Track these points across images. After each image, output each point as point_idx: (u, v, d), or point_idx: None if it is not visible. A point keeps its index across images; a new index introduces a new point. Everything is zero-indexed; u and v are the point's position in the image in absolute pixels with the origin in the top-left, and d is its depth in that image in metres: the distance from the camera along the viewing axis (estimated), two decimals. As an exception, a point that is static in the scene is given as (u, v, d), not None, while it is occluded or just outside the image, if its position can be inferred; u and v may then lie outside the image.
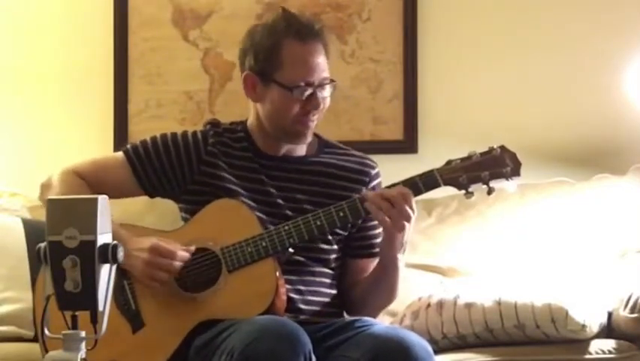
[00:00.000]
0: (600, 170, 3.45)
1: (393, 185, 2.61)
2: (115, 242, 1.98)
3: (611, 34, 3.63)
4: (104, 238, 1.97)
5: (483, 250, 3.30)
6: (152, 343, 2.61)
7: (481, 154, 2.62)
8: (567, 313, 2.78)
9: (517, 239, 3.30)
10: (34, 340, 2.86)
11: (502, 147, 2.63)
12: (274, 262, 2.60)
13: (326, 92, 2.69)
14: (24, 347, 2.91)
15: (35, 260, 2.01)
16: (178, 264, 2.59)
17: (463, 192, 2.62)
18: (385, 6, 3.66)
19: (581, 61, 3.65)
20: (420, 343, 2.44)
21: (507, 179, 2.61)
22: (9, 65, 3.63)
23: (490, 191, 2.61)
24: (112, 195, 2.14)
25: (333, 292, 2.73)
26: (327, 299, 2.71)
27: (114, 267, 1.99)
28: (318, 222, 2.61)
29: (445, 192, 2.74)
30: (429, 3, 3.66)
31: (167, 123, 3.57)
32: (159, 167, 2.75)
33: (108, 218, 2.00)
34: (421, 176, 2.61)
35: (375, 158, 2.87)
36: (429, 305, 2.96)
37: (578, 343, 2.82)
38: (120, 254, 1.98)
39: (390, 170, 2.87)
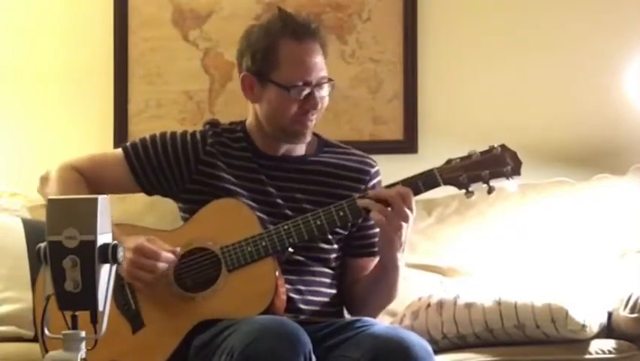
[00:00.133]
0: (600, 170, 3.45)
1: (393, 185, 2.60)
2: (115, 242, 1.98)
3: (611, 34, 3.63)
4: (104, 238, 1.97)
5: (483, 250, 3.30)
6: (151, 343, 2.61)
7: (482, 153, 2.62)
8: (567, 313, 2.78)
9: (517, 239, 3.30)
10: (34, 340, 2.86)
11: (503, 146, 2.62)
12: (274, 262, 2.60)
13: (324, 92, 2.69)
14: (24, 347, 2.91)
15: (35, 260, 2.01)
16: (162, 265, 2.58)
17: (463, 191, 2.61)
18: (385, 6, 3.66)
19: (581, 61, 3.65)
20: (420, 343, 2.44)
21: (507, 178, 2.60)
22: (9, 65, 3.63)
23: (490, 190, 2.61)
24: (109, 192, 2.15)
25: (333, 291, 2.73)
26: (327, 299, 2.71)
27: (114, 267, 1.99)
28: (318, 222, 2.60)
29: (445, 191, 2.74)
30: (429, 3, 3.66)
31: (167, 123, 3.57)
32: (157, 165, 2.75)
33: (108, 218, 2.00)
34: (420, 175, 2.61)
35: (375, 158, 2.86)
36: (429, 305, 2.96)
37: (578, 343, 2.82)
38: (120, 254, 1.98)
39: (390, 170, 2.86)
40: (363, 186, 2.73)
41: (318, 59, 2.68)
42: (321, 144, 2.82)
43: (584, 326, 2.79)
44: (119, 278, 2.56)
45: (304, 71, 2.65)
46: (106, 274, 1.97)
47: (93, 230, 1.94)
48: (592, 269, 3.14)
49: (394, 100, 3.66)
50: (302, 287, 2.66)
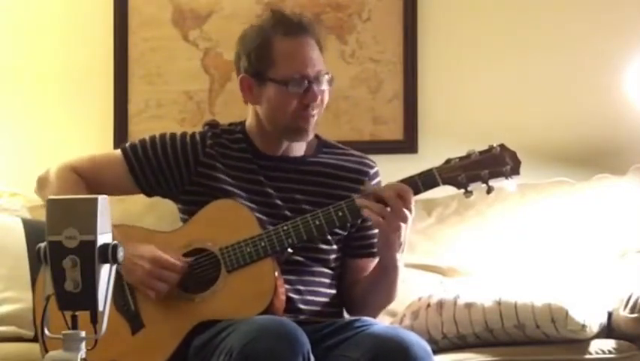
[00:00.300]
0: (600, 170, 3.45)
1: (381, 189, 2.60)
2: (115, 242, 1.98)
3: (611, 34, 3.63)
4: (104, 238, 1.97)
5: (483, 250, 3.30)
6: (151, 344, 2.61)
7: (481, 153, 2.61)
8: (567, 313, 2.78)
9: (517, 239, 3.30)
10: (34, 340, 2.86)
11: (502, 146, 2.62)
12: (273, 262, 2.60)
13: (323, 86, 2.69)
14: (24, 347, 2.91)
15: (35, 260, 2.01)
16: (177, 276, 2.61)
17: (463, 191, 2.61)
18: (385, 6, 3.66)
19: (581, 61, 3.65)
20: (419, 343, 2.44)
21: (506, 178, 2.60)
22: (9, 65, 3.63)
23: (489, 190, 2.60)
24: (109, 193, 2.15)
25: (333, 292, 2.73)
26: (326, 299, 2.70)
27: (114, 267, 1.99)
28: (317, 222, 2.60)
29: (444, 192, 2.74)
30: (429, 3, 3.66)
31: (167, 123, 3.57)
32: (157, 167, 2.75)
33: (108, 218, 2.00)
34: (420, 175, 2.60)
35: (375, 158, 2.86)
36: (429, 305, 2.96)
37: (578, 343, 2.82)
38: (120, 254, 1.98)
39: (390, 170, 2.86)
40: (362, 187, 2.73)
41: (314, 54, 2.68)
42: (321, 144, 2.82)
43: (584, 326, 2.79)
44: (118, 279, 2.56)
45: (299, 65, 2.66)
46: (106, 274, 1.97)
47: (93, 230, 1.94)
48: (592, 269, 3.14)
49: (394, 100, 3.66)
50: (301, 287, 2.66)
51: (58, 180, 2.74)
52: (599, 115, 3.64)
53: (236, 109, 2.89)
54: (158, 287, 2.60)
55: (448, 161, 2.62)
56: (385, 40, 3.66)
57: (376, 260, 2.72)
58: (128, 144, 2.81)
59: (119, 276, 2.56)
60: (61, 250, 1.94)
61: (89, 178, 2.75)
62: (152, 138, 2.78)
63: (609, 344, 2.85)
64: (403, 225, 2.55)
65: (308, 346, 2.38)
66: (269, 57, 2.66)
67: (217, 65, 3.64)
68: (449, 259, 3.31)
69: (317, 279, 2.70)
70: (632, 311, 2.85)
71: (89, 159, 2.81)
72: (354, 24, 3.66)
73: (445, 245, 3.35)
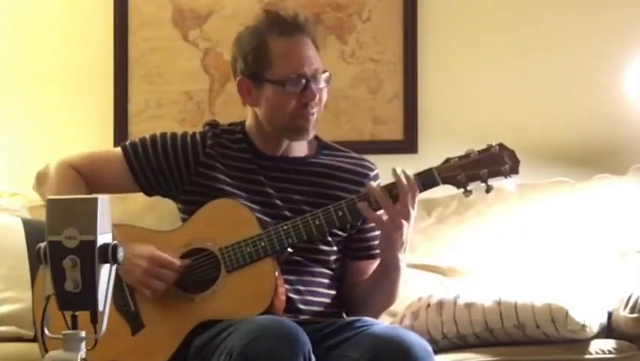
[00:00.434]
0: (600, 170, 3.45)
1: (392, 184, 2.60)
2: (115, 242, 1.98)
3: (611, 34, 3.63)
4: (104, 238, 1.96)
5: (483, 250, 3.30)
6: (151, 344, 2.61)
7: (480, 152, 2.61)
8: (567, 313, 2.78)
9: (517, 239, 3.30)
10: (34, 340, 2.86)
11: (501, 145, 2.62)
12: (273, 262, 2.60)
13: (321, 84, 2.69)
14: (24, 347, 2.91)
15: (35, 260, 2.01)
16: (175, 275, 2.61)
17: (462, 190, 2.61)
18: (385, 6, 3.66)
19: (581, 61, 3.65)
20: (420, 343, 2.44)
21: (506, 177, 2.60)
22: (9, 65, 3.63)
23: (488, 189, 2.60)
24: (108, 191, 2.15)
25: (333, 292, 2.73)
26: (326, 299, 2.70)
27: (114, 267, 1.99)
28: (317, 222, 2.60)
29: (444, 191, 2.74)
30: (429, 3, 3.66)
31: (167, 123, 3.57)
32: (157, 166, 2.75)
33: (108, 218, 2.00)
34: (419, 175, 2.60)
35: (375, 158, 2.86)
36: (429, 305, 2.96)
37: (578, 343, 2.82)
38: (120, 254, 1.97)
39: (390, 170, 2.86)
40: (361, 189, 2.73)
41: (310, 52, 2.68)
42: (321, 145, 2.82)
43: (584, 326, 2.79)
44: (117, 279, 2.56)
45: (296, 64, 2.65)
46: (106, 274, 1.97)
47: (93, 230, 1.94)
48: (592, 269, 3.14)
49: (394, 100, 3.66)
50: (301, 287, 2.66)
51: (57, 177, 2.73)
52: (599, 115, 3.64)
53: (236, 109, 2.89)
54: (155, 286, 2.60)
55: (447, 160, 2.62)
56: (385, 40, 3.66)
57: (377, 262, 2.71)
58: (128, 142, 2.80)
59: (118, 277, 2.56)
60: (61, 250, 1.94)
61: (88, 175, 2.75)
62: (153, 137, 2.78)
63: (609, 344, 2.84)
64: (405, 223, 2.55)
65: (309, 346, 2.38)
66: (265, 58, 2.66)
67: (217, 65, 3.64)
68: (449, 259, 3.31)
69: (317, 279, 2.70)
70: (632, 311, 2.85)
71: (89, 156, 2.80)
72: (354, 24, 3.66)
73: (445, 245, 3.35)
